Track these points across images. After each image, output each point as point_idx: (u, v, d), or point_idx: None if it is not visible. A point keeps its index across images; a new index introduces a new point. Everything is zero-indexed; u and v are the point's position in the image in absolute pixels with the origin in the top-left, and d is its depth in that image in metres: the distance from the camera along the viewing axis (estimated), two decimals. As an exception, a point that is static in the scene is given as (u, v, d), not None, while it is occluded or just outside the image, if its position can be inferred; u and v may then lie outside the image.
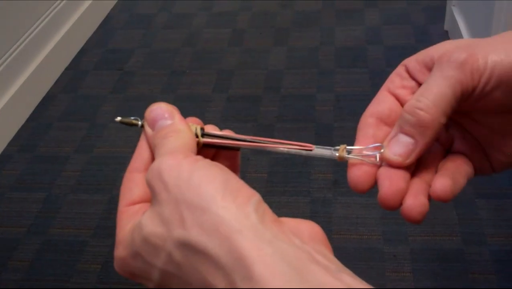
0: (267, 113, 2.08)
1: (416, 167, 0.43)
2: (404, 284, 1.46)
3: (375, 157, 0.42)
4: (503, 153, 0.44)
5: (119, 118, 0.43)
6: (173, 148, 0.38)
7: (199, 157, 0.36)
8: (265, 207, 0.34)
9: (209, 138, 0.42)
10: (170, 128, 0.40)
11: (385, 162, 0.42)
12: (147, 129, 0.41)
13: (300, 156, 0.44)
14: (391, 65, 2.21)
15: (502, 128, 0.43)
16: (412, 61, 0.45)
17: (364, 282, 0.31)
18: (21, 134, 2.10)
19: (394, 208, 0.41)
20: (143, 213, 0.36)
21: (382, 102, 0.45)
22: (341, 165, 0.44)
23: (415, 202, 0.40)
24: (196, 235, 0.32)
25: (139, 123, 0.42)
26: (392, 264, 1.51)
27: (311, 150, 0.43)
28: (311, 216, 1.65)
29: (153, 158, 0.40)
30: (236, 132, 0.44)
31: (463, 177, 0.43)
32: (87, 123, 2.12)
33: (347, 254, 1.55)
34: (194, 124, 0.42)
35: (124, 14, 2.83)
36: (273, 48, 2.46)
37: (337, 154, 0.43)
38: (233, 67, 2.36)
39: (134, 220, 0.38)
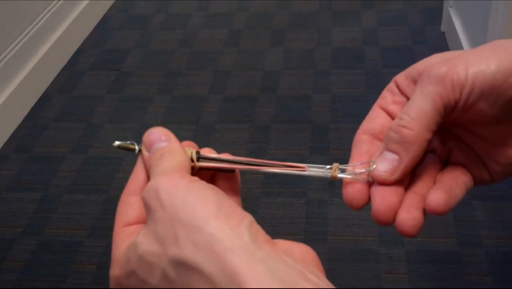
0: (263, 114, 2.08)
1: (412, 180, 0.44)
2: (399, 285, 1.47)
3: (366, 174, 0.43)
4: (497, 162, 0.44)
5: (117, 143, 0.45)
6: (168, 168, 0.39)
7: (195, 178, 0.37)
8: (257, 228, 0.34)
9: (204, 161, 0.43)
10: (165, 149, 0.41)
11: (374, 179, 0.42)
12: (144, 152, 0.42)
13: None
14: (388, 67, 2.21)
15: (494, 138, 0.43)
16: (402, 77, 0.45)
17: None
18: (17, 134, 2.09)
19: (388, 224, 0.42)
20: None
21: (374, 119, 0.46)
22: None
23: (407, 216, 0.41)
24: (190, 253, 0.33)
25: (136, 148, 0.43)
26: (387, 266, 1.51)
27: (304, 170, 0.43)
28: (306, 217, 1.65)
29: (148, 181, 0.41)
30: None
31: (460, 189, 0.43)
32: (83, 123, 2.12)
33: (343, 255, 1.55)
34: (190, 148, 0.43)
35: (121, 15, 2.83)
36: (270, 49, 2.46)
37: (329, 174, 0.43)
38: (229, 68, 2.36)
39: (130, 240, 0.38)
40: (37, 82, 2.28)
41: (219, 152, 0.44)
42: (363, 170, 0.43)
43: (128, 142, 0.44)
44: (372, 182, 0.43)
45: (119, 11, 2.87)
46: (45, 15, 2.36)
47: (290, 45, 2.48)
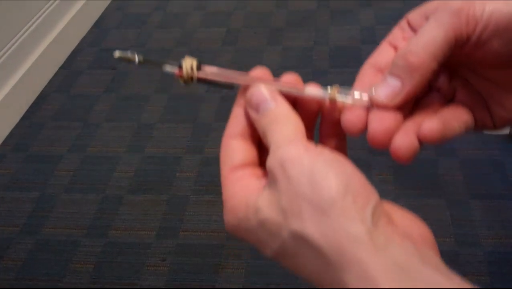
0: (261, 113, 2.07)
1: (412, 113, 0.43)
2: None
3: (366, 99, 0.42)
4: (504, 107, 0.43)
5: (117, 54, 0.44)
6: (289, 136, 0.39)
7: (320, 150, 0.37)
8: (381, 209, 0.35)
9: (204, 73, 0.43)
10: (278, 114, 0.41)
11: (373, 104, 0.42)
12: (252, 113, 0.42)
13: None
14: (386, 66, 2.21)
15: (504, 83, 0.43)
16: (414, 14, 0.45)
17: (473, 285, 0.32)
18: (15, 134, 2.09)
19: (383, 146, 0.41)
20: (257, 190, 0.38)
21: (381, 53, 0.45)
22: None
23: (403, 138, 0.40)
24: (313, 233, 0.34)
25: (136, 59, 0.44)
26: (386, 265, 1.51)
27: (302, 90, 0.43)
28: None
29: (250, 126, 0.42)
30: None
31: (458, 123, 0.42)
32: (80, 122, 2.11)
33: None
34: (191, 57, 0.43)
35: (118, 14, 2.83)
36: (267, 48, 2.46)
37: (328, 96, 0.43)
38: (227, 67, 2.34)
39: (241, 185, 0.39)
40: (34, 81, 2.28)
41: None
42: (363, 94, 0.42)
43: (129, 52, 0.44)
44: (370, 108, 0.42)
45: (116, 10, 2.86)
46: (43, 14, 2.36)
47: (288, 44, 2.47)
